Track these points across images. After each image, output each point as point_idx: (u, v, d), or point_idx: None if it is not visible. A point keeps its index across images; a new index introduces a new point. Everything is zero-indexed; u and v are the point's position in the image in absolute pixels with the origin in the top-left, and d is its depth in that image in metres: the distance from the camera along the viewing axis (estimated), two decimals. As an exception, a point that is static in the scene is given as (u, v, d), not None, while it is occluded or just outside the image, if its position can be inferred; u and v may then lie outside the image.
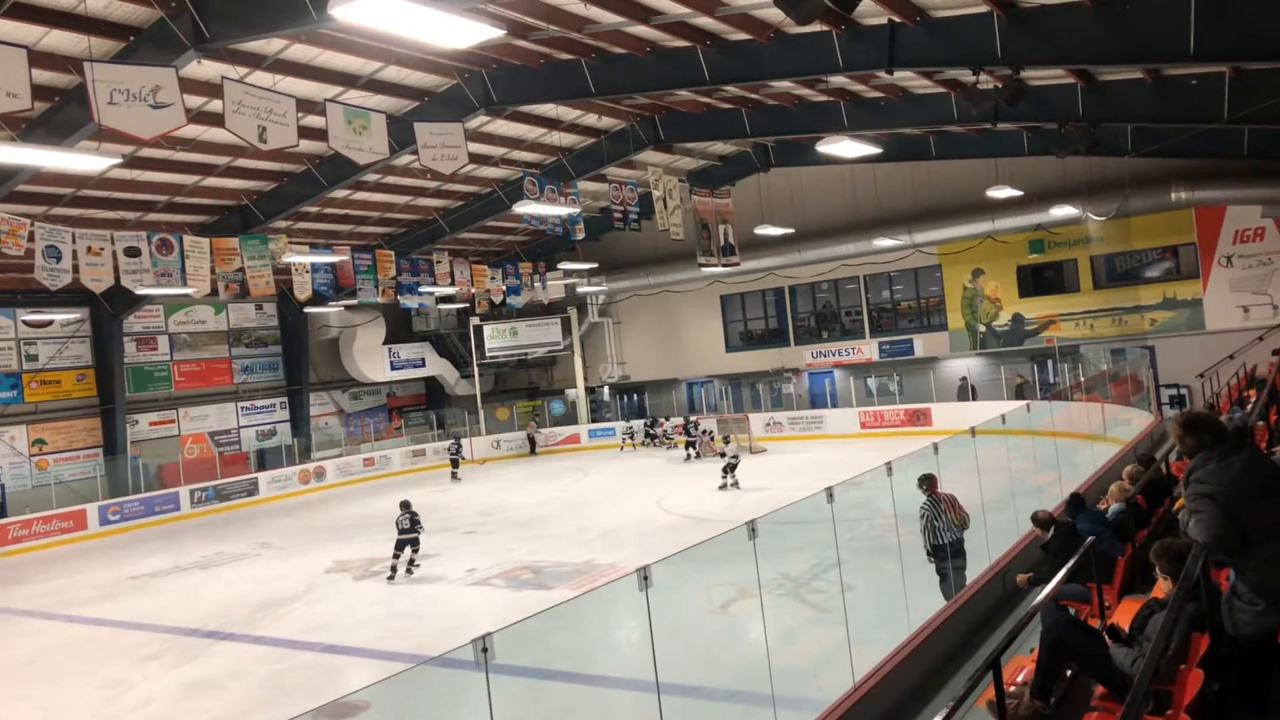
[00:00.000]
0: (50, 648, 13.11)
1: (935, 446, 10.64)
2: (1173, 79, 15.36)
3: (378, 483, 29.56)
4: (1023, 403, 18.32)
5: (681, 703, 7.58)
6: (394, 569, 15.16)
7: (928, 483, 9.89)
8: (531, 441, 33.49)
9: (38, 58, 11.40)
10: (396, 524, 15.37)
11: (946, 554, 9.70)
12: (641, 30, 14.79)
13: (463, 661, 4.34)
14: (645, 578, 5.23)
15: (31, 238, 16.14)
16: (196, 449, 29.20)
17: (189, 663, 11.59)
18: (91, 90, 9.84)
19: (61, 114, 14.12)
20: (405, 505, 15.62)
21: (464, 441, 30.93)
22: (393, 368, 34.13)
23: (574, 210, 20.61)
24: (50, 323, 25.77)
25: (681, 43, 15.28)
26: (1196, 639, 4.59)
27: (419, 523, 15.50)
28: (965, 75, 14.88)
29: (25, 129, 14.32)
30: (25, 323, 25.37)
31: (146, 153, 17.29)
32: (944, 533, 9.66)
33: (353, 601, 13.94)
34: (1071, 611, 6.47)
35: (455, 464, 28.67)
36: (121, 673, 11.44)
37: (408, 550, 15.32)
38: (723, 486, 20.82)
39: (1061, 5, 12.00)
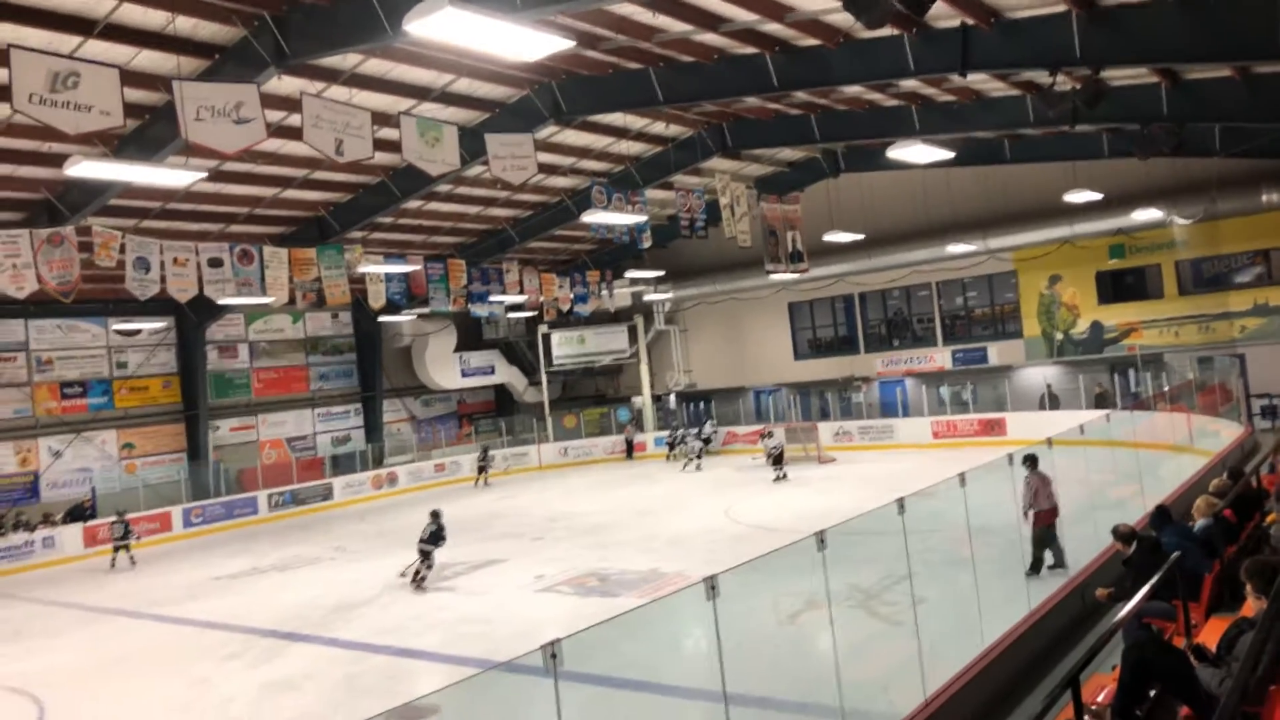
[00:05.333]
0: (138, 645, 13.60)
1: (1010, 457, 10.42)
2: (1263, 76, 14.77)
3: (448, 488, 30.00)
4: (1102, 412, 17.74)
5: (749, 714, 7.51)
6: (416, 574, 15.22)
7: (1033, 462, 11.18)
8: (629, 445, 33.54)
9: (129, 77, 11.87)
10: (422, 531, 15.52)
11: (1041, 520, 11.10)
12: (709, 38, 14.80)
13: (532, 667, 4.38)
14: (713, 587, 5.21)
15: (122, 250, 16.84)
16: (274, 454, 30.04)
17: (267, 663, 11.92)
18: (180, 107, 10.22)
19: (151, 131, 14.72)
20: (435, 515, 15.69)
21: (492, 452, 31.29)
22: (463, 375, 34.68)
23: (641, 218, 20.69)
24: (139, 331, 26.84)
25: (750, 49, 15.24)
26: (1290, 661, 4.40)
27: (442, 537, 15.45)
28: (1042, 77, 14.54)
29: (118, 145, 14.96)
30: (116, 332, 26.46)
31: (229, 166, 17.89)
32: (1040, 500, 11.06)
33: (423, 606, 14.16)
34: (1155, 629, 6.26)
35: (482, 469, 29.76)
36: (205, 671, 11.81)
37: (417, 561, 15.31)
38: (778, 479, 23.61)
39: (1144, 2, 11.64)
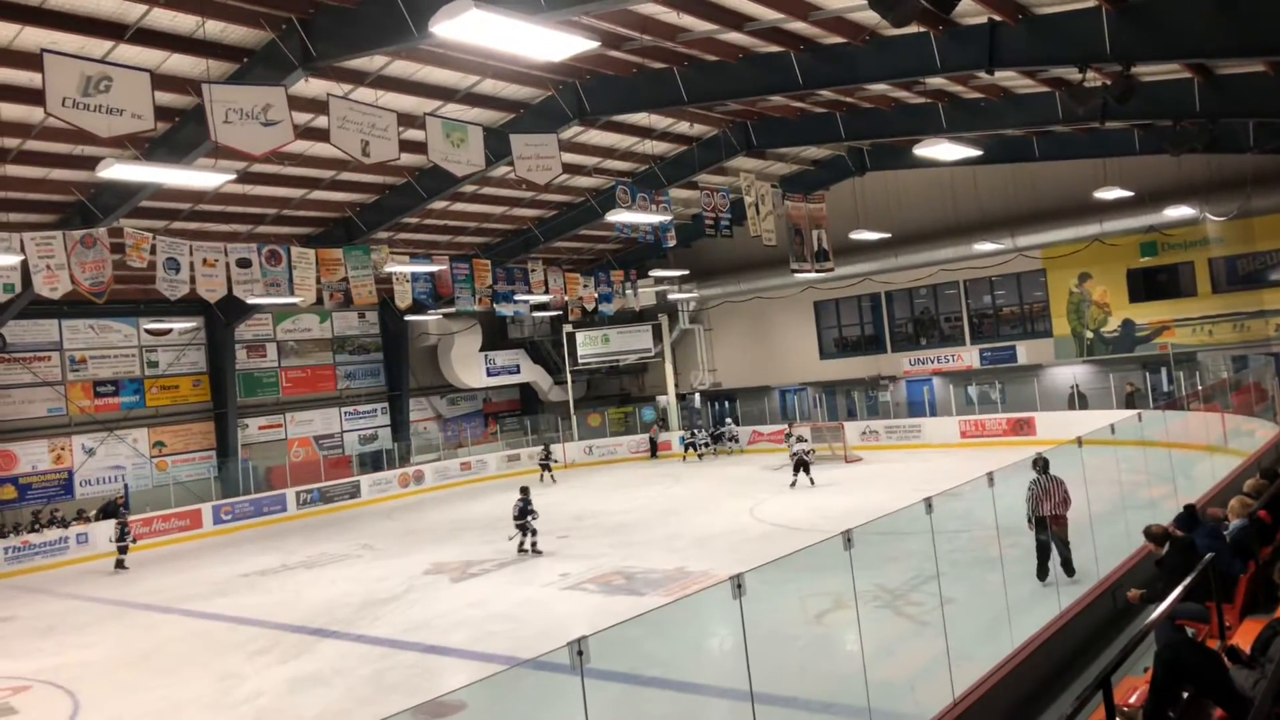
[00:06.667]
0: (168, 640, 13.79)
1: (1038, 457, 10.32)
2: (1298, 70, 14.54)
3: (474, 486, 30.18)
4: (1133, 412, 17.54)
5: (776, 713, 7.51)
6: (532, 545, 17.33)
7: (1044, 465, 10.94)
8: (653, 444, 33.65)
9: (160, 80, 12.03)
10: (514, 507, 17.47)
11: (1046, 525, 10.92)
12: (734, 37, 14.76)
13: (558, 665, 4.39)
14: (739, 586, 5.19)
15: (153, 250, 17.06)
16: (302, 452, 30.33)
17: (296, 658, 12.03)
18: (209, 110, 10.33)
19: (181, 133, 14.90)
20: (524, 491, 17.62)
21: (554, 448, 31.36)
22: (489, 374, 34.84)
23: (665, 218, 20.67)
24: (169, 331, 27.20)
25: (774, 48, 15.19)
26: (1327, 663, 4.32)
27: (527, 512, 17.19)
28: (1071, 73, 14.37)
29: (148, 148, 15.16)
30: (147, 331, 26.83)
31: (257, 168, 18.07)
32: (1044, 505, 10.83)
33: (450, 603, 14.24)
34: (1190, 632, 6.17)
35: (546, 467, 29.21)
36: (234, 666, 11.95)
37: (527, 535, 17.31)
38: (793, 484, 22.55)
39: (1175, -4, 11.49)
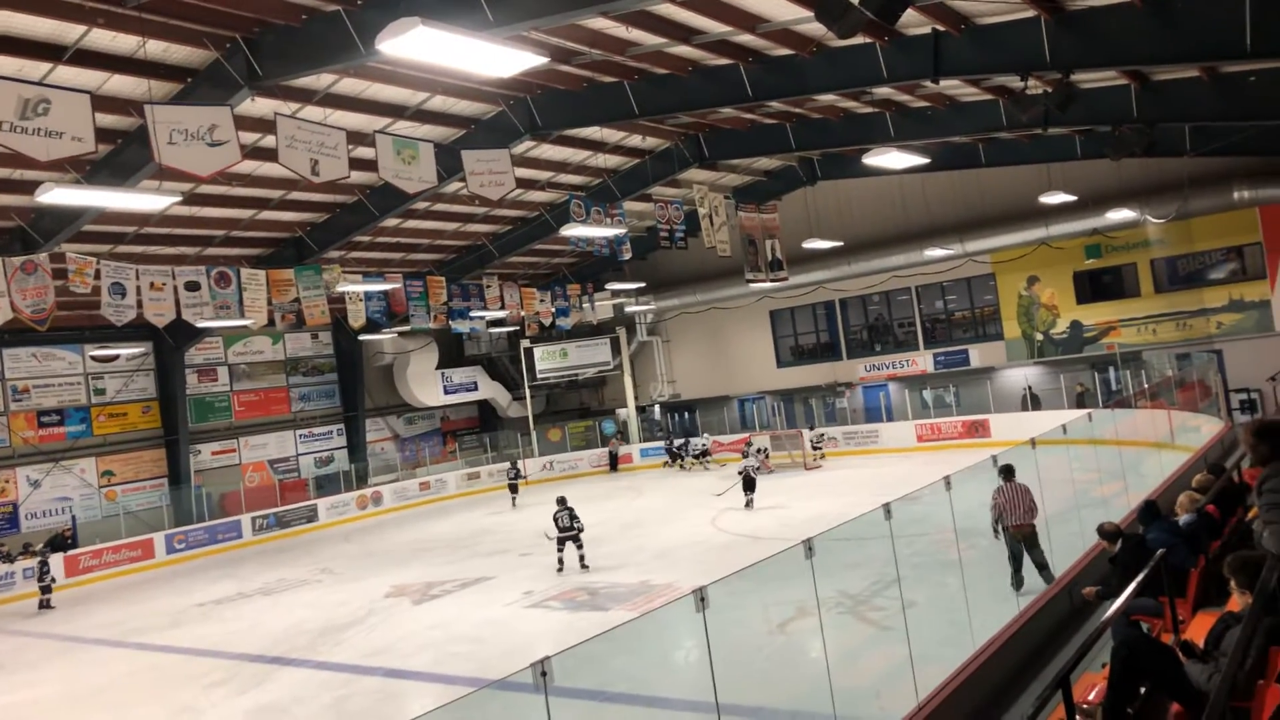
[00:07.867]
0: (121, 675, 13.42)
1: (994, 459, 10.48)
2: (1230, 76, 14.98)
3: (434, 506, 29.85)
4: (1083, 412, 17.90)
5: (742, 724, 7.49)
6: (560, 562, 16.43)
7: (1007, 473, 10.88)
8: (613, 458, 33.56)
9: (100, 102, 11.81)
10: (555, 521, 16.42)
11: (1013, 534, 10.82)
12: (683, 50, 14.86)
13: (522, 685, 4.35)
14: (702, 599, 5.19)
15: (98, 275, 16.67)
16: (257, 477, 29.80)
17: (254, 689, 11.78)
18: (152, 131, 10.15)
19: (124, 155, 14.61)
20: (562, 501, 16.67)
21: (520, 464, 30.12)
22: (446, 392, 34.55)
23: (620, 231, 20.70)
24: (116, 357, 26.58)
25: (724, 61, 15.32)
26: (1274, 653, 4.43)
27: (577, 519, 16.42)
28: (1013, 81, 14.68)
29: (90, 171, 14.84)
30: (93, 358, 26.20)
31: (204, 189, 17.79)
32: (1011, 516, 10.74)
33: (412, 626, 14.05)
34: (1145, 627, 6.29)
35: (514, 488, 27.96)
36: (189, 699, 11.66)
37: (570, 546, 16.39)
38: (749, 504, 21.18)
39: (1111, 6, 11.79)
